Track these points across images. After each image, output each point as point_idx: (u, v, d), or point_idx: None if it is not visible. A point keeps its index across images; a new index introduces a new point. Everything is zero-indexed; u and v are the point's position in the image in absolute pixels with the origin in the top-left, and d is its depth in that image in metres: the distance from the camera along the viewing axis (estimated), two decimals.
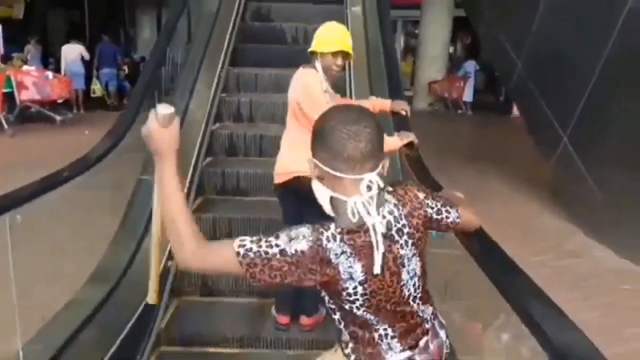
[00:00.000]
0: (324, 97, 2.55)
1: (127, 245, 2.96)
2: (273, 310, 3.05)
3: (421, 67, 13.66)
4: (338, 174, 1.21)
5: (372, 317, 1.32)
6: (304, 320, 2.95)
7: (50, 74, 9.71)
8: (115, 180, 3.60)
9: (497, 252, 1.65)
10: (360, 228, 1.21)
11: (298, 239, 1.19)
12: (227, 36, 5.22)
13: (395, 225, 1.27)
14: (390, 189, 1.32)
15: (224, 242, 1.21)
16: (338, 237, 1.20)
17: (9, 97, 8.94)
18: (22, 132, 8.82)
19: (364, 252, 1.21)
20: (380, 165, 1.23)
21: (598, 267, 4.14)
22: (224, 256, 1.19)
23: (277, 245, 1.18)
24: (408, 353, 1.37)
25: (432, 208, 1.39)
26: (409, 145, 2.60)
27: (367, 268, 1.22)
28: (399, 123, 3.01)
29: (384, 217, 1.25)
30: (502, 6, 6.12)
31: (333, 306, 1.34)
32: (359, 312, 1.29)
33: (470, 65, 13.32)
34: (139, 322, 2.74)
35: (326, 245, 1.19)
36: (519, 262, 1.53)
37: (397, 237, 1.27)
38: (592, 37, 4.63)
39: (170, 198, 1.23)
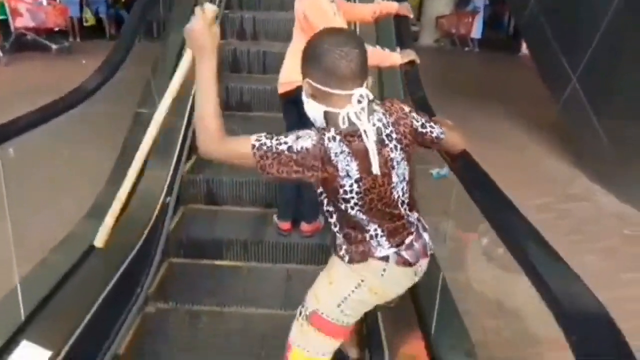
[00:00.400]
0: (330, 7, 2.61)
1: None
2: (275, 218, 3.22)
3: (428, 0, 13.16)
4: (332, 91, 1.36)
5: (364, 217, 1.48)
6: (304, 226, 3.14)
7: (44, 0, 9.34)
8: (111, 112, 3.50)
9: (488, 186, 1.61)
10: (355, 133, 1.36)
11: (304, 138, 1.34)
12: None
13: (384, 131, 1.43)
14: (378, 101, 1.48)
15: (243, 137, 1.35)
16: (337, 137, 1.35)
17: (3, 24, 8.68)
18: (18, 60, 8.61)
19: (359, 154, 1.36)
20: (366, 82, 1.39)
21: (600, 212, 4.12)
22: (242, 148, 1.33)
23: (285, 143, 1.33)
24: (395, 249, 1.56)
25: (418, 121, 1.55)
26: (410, 62, 2.74)
27: (362, 167, 1.38)
28: (404, 44, 3.05)
29: (374, 124, 1.41)
30: None
31: (331, 208, 1.52)
32: (353, 212, 1.46)
33: (480, 0, 12.82)
34: (148, 236, 2.82)
35: (327, 144, 1.34)
36: (520, 205, 1.49)
37: (387, 141, 1.43)
38: None
39: (206, 94, 1.35)
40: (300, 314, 1.71)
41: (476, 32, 12.58)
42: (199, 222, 3.26)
